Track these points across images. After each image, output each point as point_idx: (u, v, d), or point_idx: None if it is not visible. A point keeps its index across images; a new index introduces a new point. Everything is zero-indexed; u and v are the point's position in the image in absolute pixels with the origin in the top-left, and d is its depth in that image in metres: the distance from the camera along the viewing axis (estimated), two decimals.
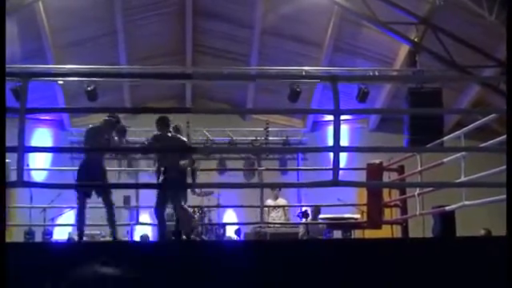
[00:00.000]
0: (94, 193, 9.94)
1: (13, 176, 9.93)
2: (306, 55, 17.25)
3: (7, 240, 9.93)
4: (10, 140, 8.14)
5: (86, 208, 10.07)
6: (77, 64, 15.43)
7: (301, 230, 13.63)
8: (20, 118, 6.44)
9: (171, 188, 10.55)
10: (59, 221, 14.04)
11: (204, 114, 17.78)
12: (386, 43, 16.01)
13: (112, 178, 17.16)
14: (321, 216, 13.37)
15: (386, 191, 12.69)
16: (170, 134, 10.53)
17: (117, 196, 13.51)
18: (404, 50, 15.85)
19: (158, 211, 10.47)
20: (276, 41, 17.53)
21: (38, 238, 14.18)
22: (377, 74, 15.45)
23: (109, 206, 10.03)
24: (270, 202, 14.03)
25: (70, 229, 15.20)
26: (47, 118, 18.24)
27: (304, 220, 13.38)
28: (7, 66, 14.97)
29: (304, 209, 13.79)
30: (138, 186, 15.23)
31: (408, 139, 14.43)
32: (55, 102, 17.54)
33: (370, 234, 12.99)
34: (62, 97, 17.71)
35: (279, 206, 14.21)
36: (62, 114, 18.86)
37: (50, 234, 14.67)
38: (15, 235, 13.58)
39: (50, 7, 15.51)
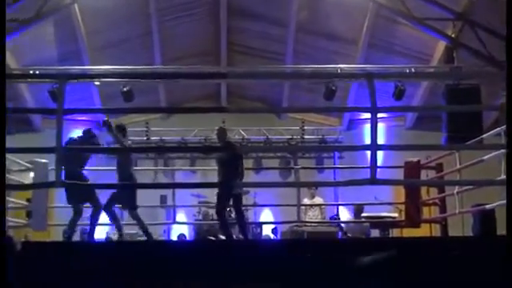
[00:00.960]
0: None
1: (51, 176, 10.06)
2: (341, 53, 17.15)
3: (47, 239, 10.06)
4: (49, 141, 8.21)
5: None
6: (112, 65, 15.53)
7: (338, 229, 13.56)
8: (57, 119, 6.47)
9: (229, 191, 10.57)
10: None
11: (239, 113, 17.75)
12: (422, 40, 15.84)
13: (147, 178, 17.40)
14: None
15: (424, 189, 12.56)
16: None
17: (154, 195, 13.62)
18: (441, 46, 15.67)
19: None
20: (311, 39, 17.46)
21: (76, 238, 14.28)
22: (413, 71, 15.28)
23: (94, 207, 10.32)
24: (306, 200, 13.96)
25: (107, 228, 15.33)
26: (84, 118, 18.37)
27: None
28: (44, 67, 15.21)
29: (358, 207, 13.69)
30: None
31: (446, 137, 14.26)
32: (91, 103, 17.69)
33: (408, 232, 12.87)
34: (98, 98, 17.85)
35: (316, 205, 14.13)
36: (99, 114, 18.98)
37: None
38: (54, 235, 13.70)
39: (85, 9, 15.64)
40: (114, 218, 10.58)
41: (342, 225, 13.48)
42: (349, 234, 12.82)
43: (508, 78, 5.89)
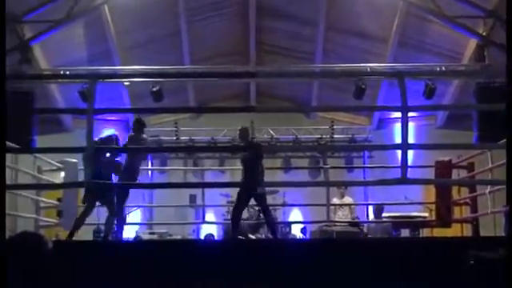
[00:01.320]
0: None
1: (81, 176, 10.12)
2: (370, 51, 17.05)
3: (77, 238, 10.12)
4: (79, 141, 8.26)
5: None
6: (141, 65, 15.61)
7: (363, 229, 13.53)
8: (88, 119, 6.50)
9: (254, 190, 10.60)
10: (127, 220, 14.18)
11: (268, 112, 17.73)
12: (452, 38, 15.70)
13: (177, 177, 17.46)
14: (388, 214, 13.16)
15: (455, 189, 12.45)
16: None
17: (183, 195, 13.67)
18: (472, 44, 15.50)
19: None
20: (340, 37, 17.40)
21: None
22: (444, 69, 15.15)
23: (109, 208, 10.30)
24: (335, 200, 13.91)
25: (137, 227, 15.42)
26: (113, 118, 18.47)
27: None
28: (74, 68, 15.31)
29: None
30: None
31: (477, 136, 14.11)
32: (121, 103, 17.77)
33: (438, 232, 12.77)
34: (128, 98, 17.94)
35: (345, 205, 14.07)
36: (128, 114, 19.08)
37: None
38: (85, 234, 13.80)
39: (115, 10, 15.72)
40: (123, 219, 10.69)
41: (364, 225, 13.44)
42: (369, 235, 12.81)
43: (508, 79, 5.83)
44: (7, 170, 10.74)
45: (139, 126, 10.55)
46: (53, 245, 3.36)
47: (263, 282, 5.72)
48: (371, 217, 14.63)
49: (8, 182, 10.75)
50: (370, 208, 16.50)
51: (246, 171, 10.38)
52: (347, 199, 14.31)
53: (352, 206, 14.11)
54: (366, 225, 13.58)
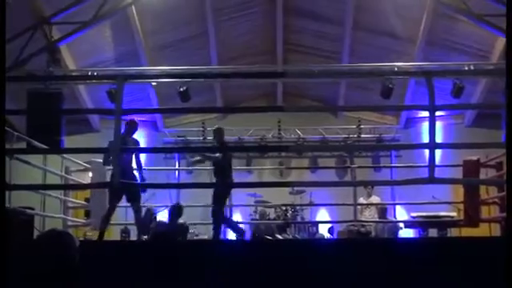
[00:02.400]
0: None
1: (109, 176, 10.18)
2: (398, 51, 16.96)
3: (105, 238, 10.20)
4: (107, 141, 8.31)
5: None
6: (169, 65, 15.67)
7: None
8: (116, 120, 6.55)
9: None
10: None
11: (295, 112, 17.71)
12: (481, 36, 15.55)
13: (205, 178, 17.50)
14: (416, 214, 13.09)
15: (483, 188, 12.34)
16: None
17: (210, 195, 13.64)
18: (501, 42, 15.34)
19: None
20: (367, 37, 17.32)
21: (134, 237, 14.46)
22: (472, 68, 15.02)
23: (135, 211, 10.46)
24: (362, 200, 13.88)
25: None
26: (141, 119, 18.55)
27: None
28: (102, 69, 15.44)
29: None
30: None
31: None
32: (149, 104, 17.85)
33: (466, 232, 12.68)
34: (156, 98, 18.01)
35: (372, 204, 14.04)
36: (156, 114, 19.17)
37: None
38: (112, 234, 13.90)
39: (143, 10, 15.79)
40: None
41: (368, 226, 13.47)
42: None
43: (508, 79, 5.76)
44: (37, 171, 10.92)
45: (130, 128, 10.54)
46: (80, 244, 3.40)
47: (290, 282, 5.71)
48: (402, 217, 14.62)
49: (38, 182, 10.92)
50: (398, 208, 16.51)
51: (219, 172, 10.45)
52: (374, 199, 14.29)
53: (379, 206, 14.07)
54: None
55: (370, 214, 13.95)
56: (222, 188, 10.79)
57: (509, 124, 5.61)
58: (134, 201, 10.35)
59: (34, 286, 2.99)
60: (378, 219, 13.66)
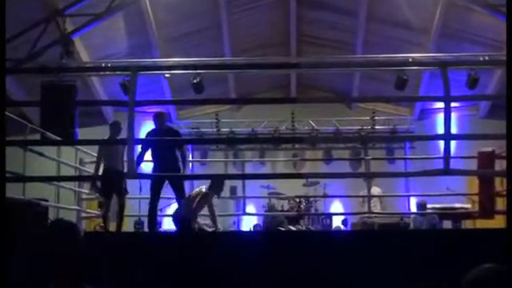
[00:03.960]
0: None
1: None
2: (412, 42, 16.88)
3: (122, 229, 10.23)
4: (121, 133, 8.31)
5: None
6: (182, 57, 15.66)
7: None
8: (129, 111, 6.55)
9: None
10: (167, 211, 14.30)
11: (309, 103, 17.66)
12: (495, 27, 15.37)
13: (218, 169, 17.52)
14: (431, 206, 13.05)
15: (498, 180, 12.26)
16: None
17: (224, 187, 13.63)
18: None
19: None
20: (381, 28, 17.24)
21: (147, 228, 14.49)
22: (487, 59, 14.91)
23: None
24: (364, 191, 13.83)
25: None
26: (155, 110, 18.55)
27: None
28: (115, 60, 15.46)
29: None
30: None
31: None
32: (162, 95, 17.86)
33: (481, 224, 12.62)
34: (169, 90, 18.02)
35: (378, 196, 14.00)
36: (169, 106, 19.19)
37: (159, 224, 14.95)
38: (126, 225, 13.92)
39: (156, 2, 15.78)
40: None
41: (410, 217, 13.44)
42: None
43: (508, 78, 5.72)
44: (51, 163, 10.96)
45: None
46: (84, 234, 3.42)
47: (304, 274, 5.71)
48: (414, 210, 14.55)
49: (52, 173, 10.97)
50: (412, 200, 16.44)
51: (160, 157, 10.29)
52: (375, 189, 14.23)
53: (382, 198, 14.10)
54: (411, 217, 13.54)
55: (373, 205, 13.90)
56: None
57: (509, 124, 5.57)
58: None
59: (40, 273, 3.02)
60: (379, 210, 13.65)
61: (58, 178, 11.29)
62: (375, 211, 13.47)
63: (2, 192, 4.91)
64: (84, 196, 12.57)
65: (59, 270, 2.94)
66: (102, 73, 16.47)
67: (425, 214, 13.14)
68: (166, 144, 10.17)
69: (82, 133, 14.56)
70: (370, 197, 12.74)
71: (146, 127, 11.92)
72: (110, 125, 10.70)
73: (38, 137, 11.79)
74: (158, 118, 10.47)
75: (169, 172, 9.92)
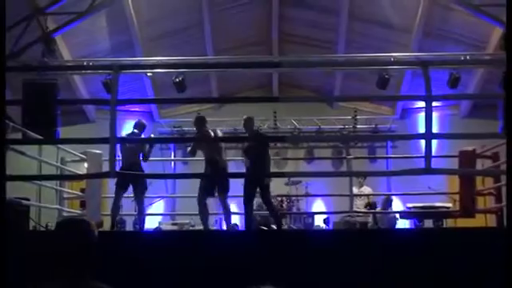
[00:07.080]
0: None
1: (105, 167, 10.17)
2: (394, 41, 16.93)
3: (101, 229, 10.18)
4: (103, 132, 8.29)
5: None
6: (164, 55, 15.64)
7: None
8: (111, 110, 6.53)
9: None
10: (149, 210, 14.27)
11: (291, 102, 17.68)
12: (477, 27, 15.50)
13: (202, 169, 17.50)
14: (412, 205, 13.11)
15: (479, 179, 12.33)
16: None
17: None
18: (497, 33, 15.29)
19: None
20: (363, 27, 17.27)
21: (129, 227, 14.46)
22: (468, 58, 14.99)
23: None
24: (354, 190, 13.88)
25: (159, 218, 15.49)
26: (137, 109, 18.52)
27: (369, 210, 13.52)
28: (97, 59, 15.39)
29: (368, 201, 13.80)
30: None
31: (502, 125, 13.96)
32: (144, 94, 17.83)
33: (462, 223, 12.68)
34: (151, 89, 17.98)
35: (364, 195, 14.07)
36: (151, 105, 19.15)
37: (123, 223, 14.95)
38: (107, 224, 13.87)
39: (138, 1, 15.75)
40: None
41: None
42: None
43: (508, 78, 5.76)
44: (33, 162, 10.89)
45: (140, 126, 11.08)
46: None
47: (286, 272, 5.71)
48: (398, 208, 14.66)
49: (33, 173, 10.90)
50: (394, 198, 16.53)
51: (252, 162, 10.38)
52: (365, 189, 14.31)
53: (370, 196, 14.14)
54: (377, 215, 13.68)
55: (361, 204, 13.99)
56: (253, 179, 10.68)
57: (508, 124, 5.61)
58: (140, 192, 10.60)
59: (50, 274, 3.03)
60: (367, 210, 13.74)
61: (41, 176, 11.21)
62: (366, 211, 13.58)
63: (2, 192, 4.89)
64: (65, 195, 12.50)
65: (67, 267, 2.96)
66: (83, 71, 16.41)
67: (387, 213, 13.39)
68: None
69: (64, 131, 14.48)
70: (351, 196, 12.77)
71: (128, 126, 11.93)
72: (135, 124, 11.16)
73: (19, 135, 11.71)
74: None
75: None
